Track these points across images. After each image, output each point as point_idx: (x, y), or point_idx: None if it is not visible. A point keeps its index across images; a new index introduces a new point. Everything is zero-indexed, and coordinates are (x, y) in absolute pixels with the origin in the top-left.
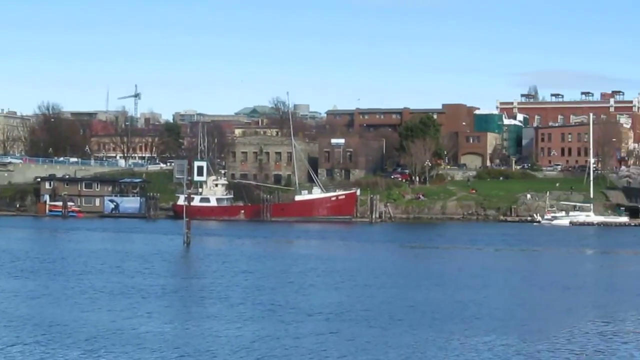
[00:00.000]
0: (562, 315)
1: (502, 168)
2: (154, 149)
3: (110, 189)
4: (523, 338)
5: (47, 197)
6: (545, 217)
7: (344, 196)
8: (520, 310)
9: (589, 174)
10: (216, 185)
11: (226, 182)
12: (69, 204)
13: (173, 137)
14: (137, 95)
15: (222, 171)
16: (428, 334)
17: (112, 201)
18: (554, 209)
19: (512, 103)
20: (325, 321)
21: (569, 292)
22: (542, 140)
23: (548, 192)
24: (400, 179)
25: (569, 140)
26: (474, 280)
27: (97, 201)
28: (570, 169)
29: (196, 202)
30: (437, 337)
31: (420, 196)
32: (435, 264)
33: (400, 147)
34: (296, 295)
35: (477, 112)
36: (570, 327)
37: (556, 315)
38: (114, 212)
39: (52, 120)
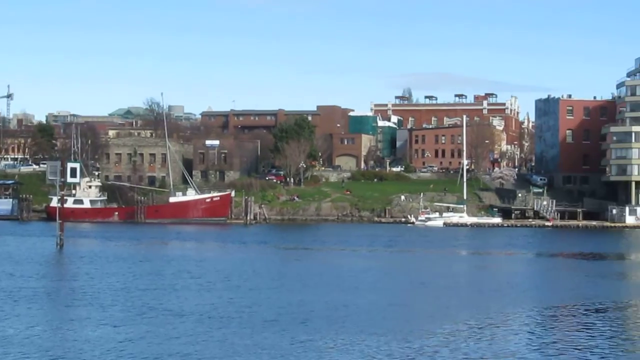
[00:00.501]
0: (432, 315)
1: (377, 169)
2: (26, 150)
3: None
4: (393, 338)
5: None
6: (419, 218)
7: (218, 198)
8: (391, 310)
9: (462, 175)
10: (90, 187)
11: (100, 184)
12: None
13: (46, 138)
14: (9, 96)
15: (96, 173)
16: (299, 336)
17: None
18: (427, 210)
19: (386, 105)
20: (196, 323)
21: (440, 292)
22: (416, 142)
23: (422, 194)
24: (275, 180)
25: (443, 142)
26: (347, 281)
27: None
28: (443, 170)
29: (69, 204)
30: (309, 338)
31: (295, 198)
32: (309, 266)
33: (275, 149)
34: (168, 297)
35: (351, 113)
36: (440, 326)
37: (426, 315)
38: None
39: None
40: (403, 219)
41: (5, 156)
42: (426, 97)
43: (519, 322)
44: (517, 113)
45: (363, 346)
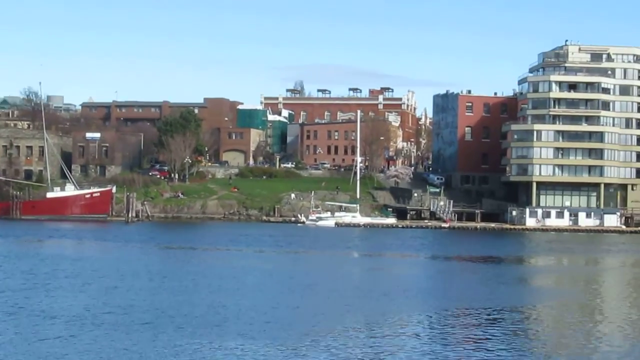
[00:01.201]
0: (317, 320)
1: (266, 166)
2: None
3: None
4: (272, 343)
5: None
6: (310, 217)
7: (98, 194)
8: (274, 313)
9: (355, 173)
10: None
11: None
12: None
13: None
14: None
15: None
16: (175, 340)
17: None
18: (319, 209)
19: (277, 98)
20: (67, 325)
21: (328, 295)
22: (308, 137)
23: (313, 192)
24: (158, 176)
25: (336, 137)
26: (230, 283)
27: None
28: (336, 168)
29: None
30: (184, 342)
31: (180, 194)
32: (192, 266)
33: (159, 143)
34: (40, 298)
35: (240, 107)
36: (323, 331)
37: (311, 319)
38: None
39: None
40: (293, 219)
41: None
42: (319, 90)
43: (407, 328)
44: (414, 109)
45: (240, 351)
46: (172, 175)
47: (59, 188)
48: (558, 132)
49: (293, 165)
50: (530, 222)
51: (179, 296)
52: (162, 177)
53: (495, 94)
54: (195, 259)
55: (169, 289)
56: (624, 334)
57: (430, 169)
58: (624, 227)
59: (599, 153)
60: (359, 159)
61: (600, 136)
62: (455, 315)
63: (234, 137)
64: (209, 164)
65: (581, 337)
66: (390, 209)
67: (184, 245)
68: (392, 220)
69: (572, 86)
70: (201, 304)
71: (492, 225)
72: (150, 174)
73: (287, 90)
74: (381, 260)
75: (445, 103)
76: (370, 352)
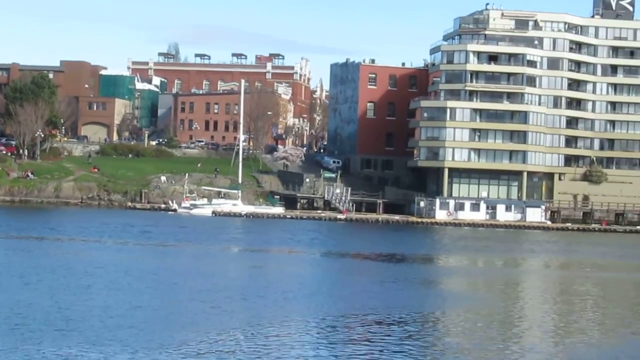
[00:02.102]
0: (178, 323)
1: (132, 143)
2: None
3: None
4: (124, 349)
5: None
6: (183, 205)
7: None
8: (130, 315)
9: (238, 153)
10: None
11: None
12: None
13: None
14: None
15: None
16: (6, 344)
17: None
18: (193, 195)
19: (147, 63)
20: None
21: (195, 296)
22: (183, 110)
23: (187, 175)
24: (4, 152)
25: (216, 111)
26: (82, 279)
27: None
28: (215, 147)
29: None
30: (18, 347)
31: (29, 174)
32: (39, 259)
33: (6, 112)
34: None
35: (103, 72)
36: (186, 336)
37: (172, 322)
38: None
39: None
40: (163, 206)
41: None
42: (197, 55)
43: (284, 334)
44: (308, 79)
45: (85, 359)
46: (21, 151)
47: None
48: (475, 110)
49: (164, 143)
50: (441, 215)
51: (18, 294)
52: (9, 154)
53: (404, 64)
54: (42, 251)
55: (6, 285)
56: (533, 345)
57: (326, 150)
58: (549, 222)
59: (522, 136)
60: (242, 137)
61: (523, 116)
62: (346, 322)
63: (95, 108)
64: (65, 138)
65: (489, 347)
66: (278, 197)
67: (31, 235)
68: (279, 210)
69: (493, 57)
70: (43, 304)
71: (396, 217)
72: None
73: (159, 55)
74: (264, 256)
75: (344, 74)
76: None
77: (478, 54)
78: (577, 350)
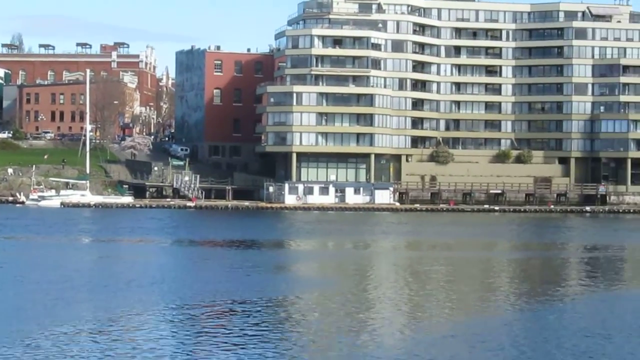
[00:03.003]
0: (27, 315)
1: None
2: None
3: None
4: None
5: None
6: (31, 196)
7: None
8: None
9: (85, 144)
10: None
11: None
12: None
13: None
14: None
15: None
16: None
17: None
18: (41, 186)
19: None
20: None
21: (42, 287)
22: (28, 101)
23: (34, 166)
24: None
25: (62, 102)
26: None
27: None
28: (62, 137)
29: None
30: None
31: None
32: None
33: None
34: None
35: None
36: (38, 325)
37: (20, 315)
38: None
39: None
40: (10, 198)
41: None
42: (41, 45)
43: (128, 325)
44: (154, 68)
45: None
46: None
47: None
48: (321, 94)
49: (10, 135)
50: (290, 200)
51: None
52: None
53: (249, 50)
54: None
55: None
56: (389, 325)
57: (174, 138)
58: (397, 204)
59: (368, 119)
60: (88, 127)
61: (370, 99)
62: (193, 310)
63: None
64: None
65: (343, 328)
66: (127, 186)
67: None
68: (128, 199)
69: (338, 41)
70: None
71: (246, 203)
72: None
73: (3, 46)
74: (112, 246)
75: (190, 61)
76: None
77: (323, 38)
78: (429, 329)
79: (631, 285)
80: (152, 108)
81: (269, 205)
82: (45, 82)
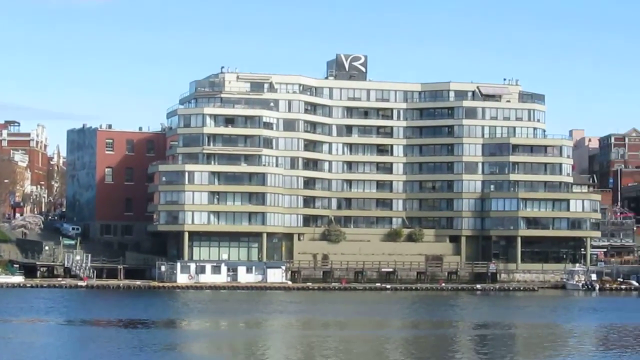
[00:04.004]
0: None
1: None
2: None
3: None
4: None
5: None
6: None
7: None
8: None
9: None
10: None
11: None
12: None
13: None
14: None
15: None
16: None
17: None
18: None
19: None
20: None
21: None
22: None
23: None
24: None
25: None
26: None
27: None
28: None
29: None
30: None
31: None
32: None
33: None
34: None
35: None
36: None
37: None
38: None
39: None
40: None
41: None
42: None
43: None
44: (46, 146)
45: None
46: None
47: None
48: (213, 173)
49: None
50: (182, 279)
51: None
52: None
53: (141, 129)
54: None
55: None
56: None
57: (65, 217)
58: (289, 282)
59: (260, 198)
60: None
61: (262, 178)
62: None
63: None
64: None
65: None
66: (17, 265)
67: None
68: (19, 279)
69: (230, 120)
70: None
71: (138, 282)
72: None
73: None
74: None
75: (81, 139)
76: None
77: (215, 117)
78: None
79: None
80: (43, 187)
81: (161, 284)
82: None
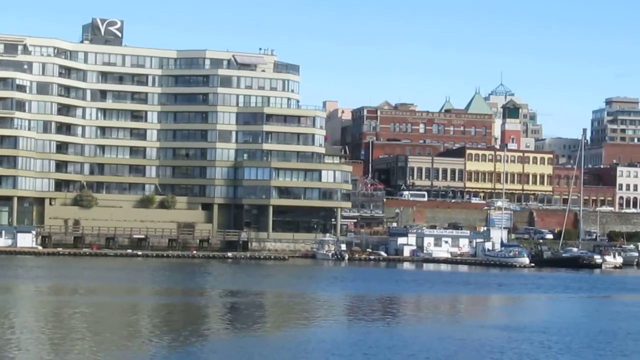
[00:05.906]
0: None
1: None
2: None
3: None
4: None
5: None
6: None
7: None
8: None
9: None
10: None
11: None
12: None
13: None
14: None
15: None
16: None
17: None
18: None
19: None
20: None
21: None
22: None
23: None
24: None
25: None
26: None
27: None
28: None
29: None
30: None
31: None
32: None
33: None
34: None
35: None
36: None
37: None
38: None
39: None
40: None
41: None
42: None
43: None
44: None
45: None
46: None
47: None
48: None
49: None
50: None
51: None
52: None
53: None
54: None
55: None
56: None
57: None
58: (40, 247)
59: (12, 161)
60: None
61: (14, 141)
62: None
63: None
64: None
65: None
66: None
67: None
68: None
69: None
70: None
71: None
72: None
73: None
74: None
75: None
76: None
77: None
78: None
79: (267, 329)
80: None
81: None
82: None
